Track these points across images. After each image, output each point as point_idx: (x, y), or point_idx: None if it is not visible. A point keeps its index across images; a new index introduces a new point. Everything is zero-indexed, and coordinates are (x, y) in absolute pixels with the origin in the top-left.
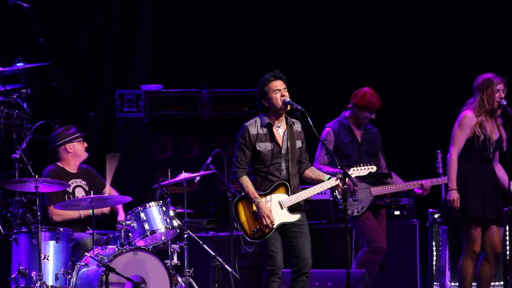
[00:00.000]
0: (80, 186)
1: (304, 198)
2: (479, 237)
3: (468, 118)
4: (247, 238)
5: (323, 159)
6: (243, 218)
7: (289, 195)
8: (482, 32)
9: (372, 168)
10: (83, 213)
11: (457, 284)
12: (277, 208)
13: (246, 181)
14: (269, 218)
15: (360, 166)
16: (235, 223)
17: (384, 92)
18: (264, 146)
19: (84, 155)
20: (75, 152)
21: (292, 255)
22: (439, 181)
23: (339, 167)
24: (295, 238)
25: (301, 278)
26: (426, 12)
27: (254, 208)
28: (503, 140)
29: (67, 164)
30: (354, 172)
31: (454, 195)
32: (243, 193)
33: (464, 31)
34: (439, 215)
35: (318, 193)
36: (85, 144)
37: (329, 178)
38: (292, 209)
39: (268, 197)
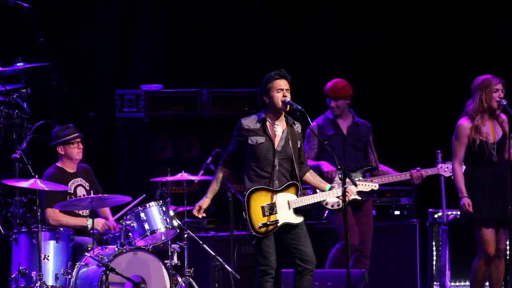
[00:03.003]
0: (81, 185)
1: (309, 202)
2: (494, 239)
3: (463, 127)
4: (252, 231)
5: (309, 154)
6: (253, 210)
7: (298, 196)
8: (482, 31)
9: (375, 186)
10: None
11: (457, 284)
12: (285, 207)
13: (216, 177)
14: (195, 210)
15: (363, 181)
16: (243, 213)
17: (384, 91)
18: (255, 140)
19: (77, 157)
20: (66, 154)
21: (295, 256)
22: (428, 172)
23: (339, 166)
24: (296, 239)
25: (307, 277)
26: (427, 10)
27: (265, 202)
28: (507, 136)
29: (65, 164)
30: (357, 187)
31: (465, 200)
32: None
33: (464, 30)
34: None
35: None
36: (81, 146)
37: (330, 188)
38: (297, 211)
39: (279, 194)
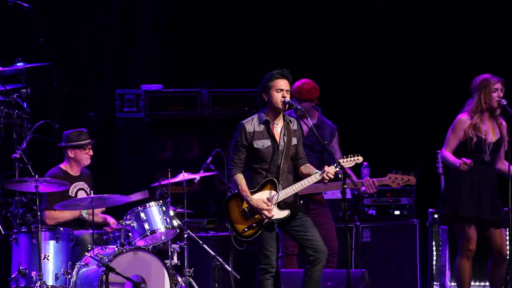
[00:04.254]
0: (83, 189)
1: (291, 193)
2: (474, 236)
3: (462, 121)
4: (238, 237)
5: None
6: (233, 217)
7: (277, 192)
8: (481, 31)
9: (358, 159)
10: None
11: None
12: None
13: (240, 178)
14: (265, 208)
15: (346, 157)
16: (226, 223)
17: (384, 92)
18: (261, 144)
19: (85, 163)
20: (76, 158)
21: (305, 247)
22: (376, 182)
23: (339, 167)
24: (303, 231)
25: (318, 267)
26: (426, 11)
27: (244, 206)
28: (504, 140)
29: (70, 166)
30: (342, 164)
31: (462, 160)
32: (234, 192)
33: (463, 31)
34: (437, 214)
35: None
36: (91, 152)
37: (316, 173)
38: (281, 205)
39: (256, 195)
